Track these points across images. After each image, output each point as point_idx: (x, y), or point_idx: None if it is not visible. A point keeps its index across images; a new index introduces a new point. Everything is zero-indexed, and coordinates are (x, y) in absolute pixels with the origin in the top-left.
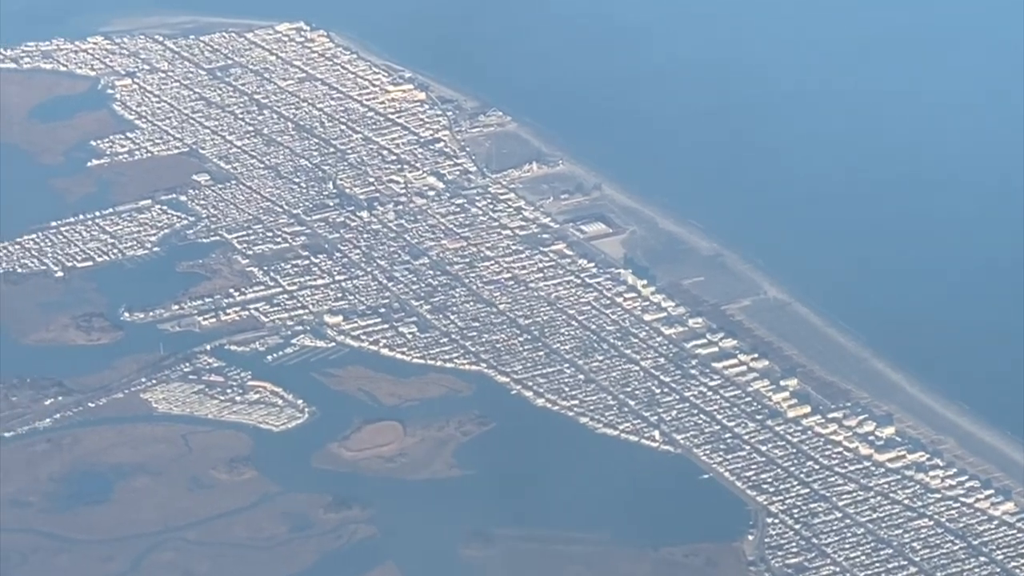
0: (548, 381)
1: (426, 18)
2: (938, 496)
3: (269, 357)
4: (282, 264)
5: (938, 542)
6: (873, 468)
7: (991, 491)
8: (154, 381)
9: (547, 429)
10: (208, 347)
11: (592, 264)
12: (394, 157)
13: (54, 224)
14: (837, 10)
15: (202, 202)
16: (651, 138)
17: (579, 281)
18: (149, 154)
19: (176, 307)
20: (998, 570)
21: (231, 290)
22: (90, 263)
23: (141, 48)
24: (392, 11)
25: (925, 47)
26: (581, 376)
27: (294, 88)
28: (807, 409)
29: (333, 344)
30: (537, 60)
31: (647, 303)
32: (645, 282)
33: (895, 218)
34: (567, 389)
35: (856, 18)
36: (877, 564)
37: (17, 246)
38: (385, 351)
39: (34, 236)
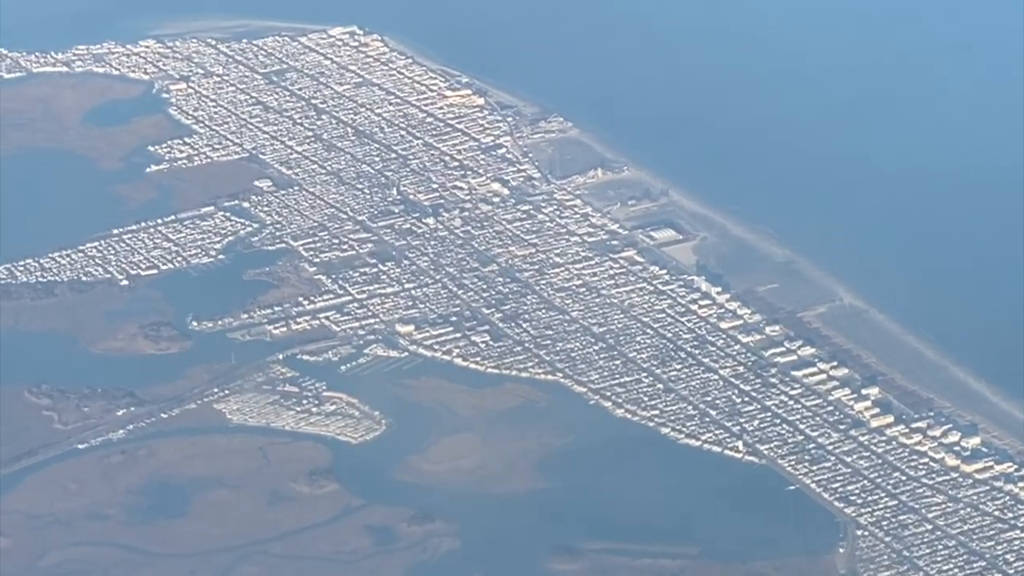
0: (626, 391)
1: (480, 22)
2: None
3: (343, 367)
4: (350, 272)
5: None
6: (961, 479)
7: None
8: (227, 391)
9: (629, 440)
10: (280, 356)
11: (664, 271)
12: (456, 163)
13: (116, 231)
14: (906, 14)
15: (265, 208)
16: (717, 143)
17: (652, 288)
18: (209, 159)
19: (245, 316)
20: None
21: (300, 299)
22: (155, 271)
23: (194, 52)
24: (446, 15)
25: (1008, 52)
26: (660, 385)
27: (351, 93)
28: (890, 419)
29: (406, 354)
30: (597, 65)
31: (722, 311)
32: (719, 289)
33: (971, 223)
34: (646, 399)
35: (935, 21)
36: None
37: (80, 254)
38: (459, 361)
39: (97, 243)
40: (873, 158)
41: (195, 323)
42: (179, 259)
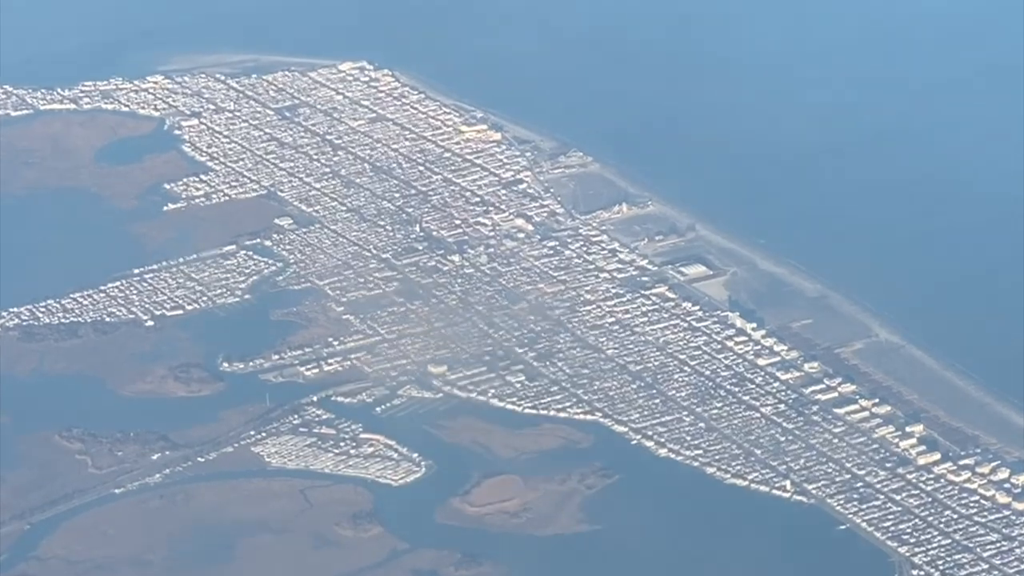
0: (668, 430)
1: (491, 57)
2: None
3: (378, 409)
4: (378, 312)
5: None
6: (1014, 517)
7: None
8: (264, 434)
9: (674, 480)
10: (315, 398)
11: (697, 307)
12: (478, 199)
13: (137, 271)
14: (931, 41)
15: (288, 247)
16: (741, 175)
17: (686, 325)
18: (227, 197)
19: (276, 357)
20: None
21: (330, 339)
22: (180, 311)
23: (203, 87)
24: (457, 49)
25: None
26: (702, 424)
27: (366, 128)
28: (937, 456)
29: (440, 395)
30: (612, 97)
31: (759, 347)
32: (754, 325)
33: (1006, 254)
34: (689, 438)
35: (961, 47)
36: None
37: (102, 294)
38: (495, 402)
39: (118, 284)
40: (902, 188)
41: (226, 364)
42: (204, 299)
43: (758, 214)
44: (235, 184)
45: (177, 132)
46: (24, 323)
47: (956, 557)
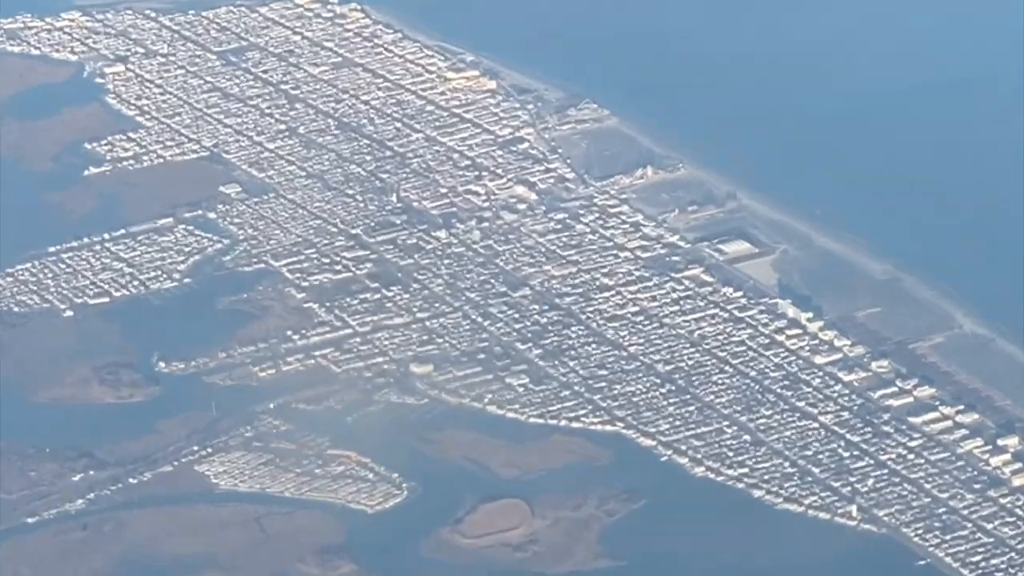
0: (706, 444)
1: None
2: None
3: (349, 418)
4: (348, 299)
5: None
6: None
7: None
8: (209, 450)
9: (714, 505)
10: (271, 405)
11: (740, 293)
12: (468, 162)
13: (53, 249)
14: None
15: (236, 220)
16: (791, 132)
17: (727, 315)
18: (161, 159)
19: (223, 355)
20: None
21: (289, 333)
22: (106, 299)
23: (130, 26)
24: None
25: None
26: (747, 437)
27: (329, 76)
28: None
29: (425, 401)
30: (632, 39)
31: (816, 342)
32: (810, 315)
33: None
34: (732, 454)
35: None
36: None
37: (10, 278)
38: (493, 409)
39: (30, 265)
40: (991, 148)
41: (162, 364)
42: (135, 284)
43: (812, 178)
44: (171, 144)
45: (99, 80)
46: None
47: None
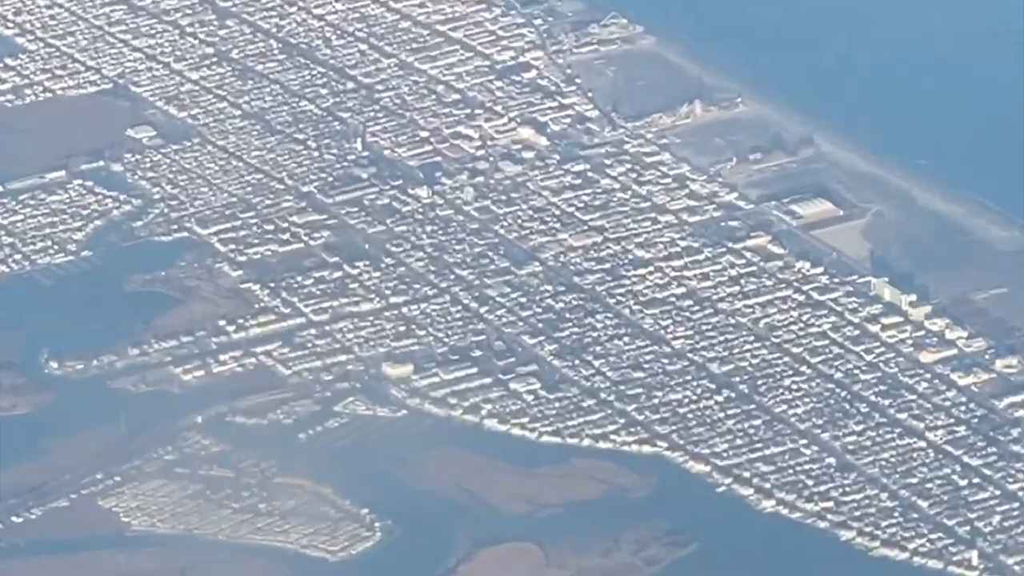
0: (776, 469)
1: None
2: None
3: (302, 435)
4: (298, 278)
5: None
6: None
7: None
8: (118, 478)
9: (787, 550)
10: (199, 419)
11: (820, 270)
12: (457, 96)
13: None
14: None
15: (150, 174)
16: (883, 61)
17: (803, 298)
18: (49, 94)
19: (135, 351)
20: None
21: (222, 323)
22: None
23: None
24: None
25: None
26: (831, 460)
27: None
28: None
29: (403, 413)
30: None
31: (921, 333)
32: (913, 298)
33: None
34: (811, 482)
35: None
36: None
37: None
38: (492, 423)
39: None
40: None
41: (54, 364)
42: (17, 259)
43: (911, 118)
44: (62, 73)
45: None
46: None
47: None
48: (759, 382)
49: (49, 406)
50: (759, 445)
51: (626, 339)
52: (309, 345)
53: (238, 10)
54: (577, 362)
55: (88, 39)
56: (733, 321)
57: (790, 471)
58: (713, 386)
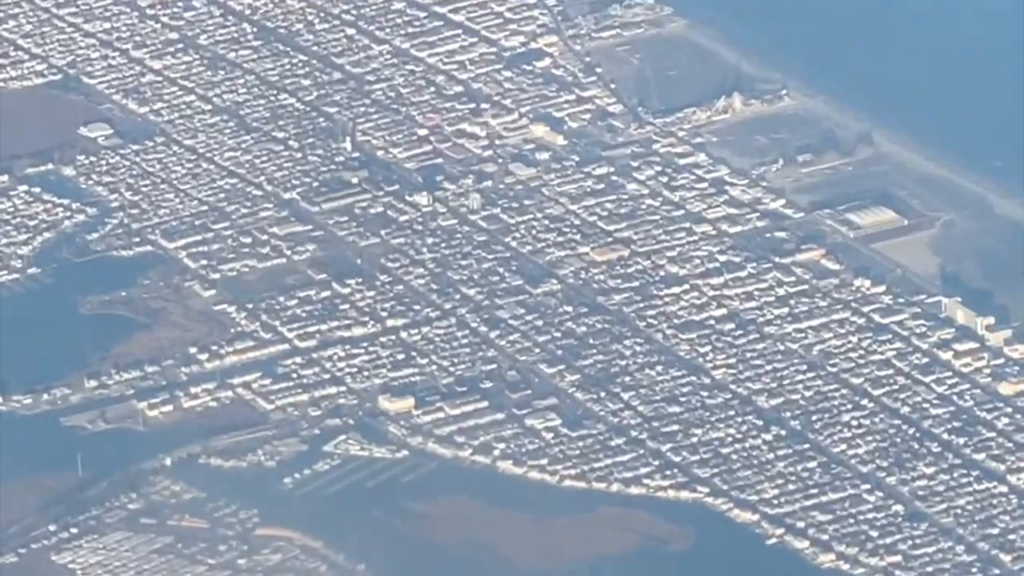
0: (835, 519)
1: None
2: None
3: (286, 479)
4: (280, 298)
5: None
6: None
7: None
8: (74, 530)
9: None
10: (168, 462)
11: (881, 288)
12: (460, 88)
13: None
14: None
15: (107, 179)
16: (944, 50)
17: (862, 321)
18: None
19: (92, 383)
20: None
21: (193, 350)
22: None
23: None
24: None
25: None
26: (898, 507)
27: None
28: None
29: (404, 453)
30: None
31: (1000, 361)
32: (991, 320)
33: None
34: (875, 534)
35: None
36: None
37: None
38: (507, 466)
39: None
40: None
41: (0, 398)
42: None
43: (987, 114)
44: (3, 62)
45: None
46: None
47: None
48: (813, 418)
49: None
50: (814, 491)
51: (659, 368)
52: (294, 376)
53: None
54: (603, 395)
55: (33, 23)
56: (782, 347)
57: (851, 521)
58: (760, 422)
